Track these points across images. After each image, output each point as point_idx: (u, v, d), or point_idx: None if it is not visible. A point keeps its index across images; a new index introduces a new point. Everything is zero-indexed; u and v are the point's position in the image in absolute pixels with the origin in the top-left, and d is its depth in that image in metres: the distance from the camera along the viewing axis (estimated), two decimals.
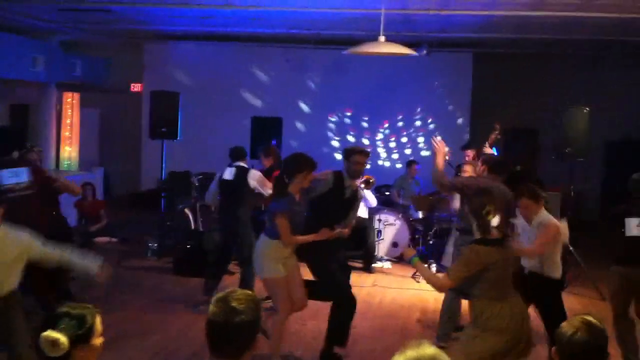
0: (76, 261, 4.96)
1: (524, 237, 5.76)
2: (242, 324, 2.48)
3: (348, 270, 6.44)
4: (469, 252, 4.53)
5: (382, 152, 14.82)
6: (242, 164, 7.88)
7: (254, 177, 7.68)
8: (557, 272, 5.67)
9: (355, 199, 6.36)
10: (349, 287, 6.30)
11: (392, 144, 14.81)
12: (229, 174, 7.85)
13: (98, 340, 2.68)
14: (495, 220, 4.44)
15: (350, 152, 6.29)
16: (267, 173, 8.12)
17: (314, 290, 6.10)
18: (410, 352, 2.25)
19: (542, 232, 5.56)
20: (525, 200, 5.65)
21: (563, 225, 5.97)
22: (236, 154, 7.99)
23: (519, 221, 5.83)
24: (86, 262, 4.97)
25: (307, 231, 5.80)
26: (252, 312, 2.52)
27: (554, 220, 5.66)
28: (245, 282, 7.61)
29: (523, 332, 4.52)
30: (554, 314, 5.45)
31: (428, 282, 4.71)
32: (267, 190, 7.46)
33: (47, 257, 4.89)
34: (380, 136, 14.82)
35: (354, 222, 6.47)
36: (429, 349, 2.27)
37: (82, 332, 2.58)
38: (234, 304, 2.51)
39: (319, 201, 6.07)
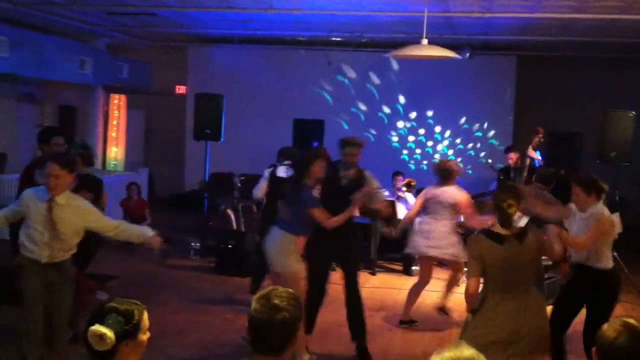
0: (132, 228, 5.32)
1: (574, 224, 5.60)
2: (284, 321, 2.52)
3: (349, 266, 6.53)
4: (470, 242, 4.74)
5: (424, 154, 14.78)
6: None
7: None
8: (605, 263, 5.41)
9: (354, 186, 6.30)
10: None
11: (435, 147, 14.75)
12: (283, 171, 7.97)
13: (144, 337, 2.73)
14: (522, 221, 4.53)
15: (343, 144, 6.41)
16: None
17: None
18: (448, 354, 2.25)
19: (592, 225, 5.35)
20: (575, 188, 5.47)
21: (616, 218, 5.78)
22: (289, 154, 8.15)
23: (573, 207, 5.67)
24: (141, 229, 5.38)
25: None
26: (293, 310, 2.56)
27: (607, 214, 5.43)
28: None
29: (520, 330, 4.46)
30: (599, 314, 5.25)
31: (467, 295, 4.77)
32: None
33: (106, 226, 5.19)
34: (422, 139, 14.79)
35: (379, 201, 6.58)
36: (467, 351, 2.26)
37: (128, 328, 2.64)
38: (276, 301, 2.55)
39: (320, 192, 6.24)
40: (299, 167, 6.11)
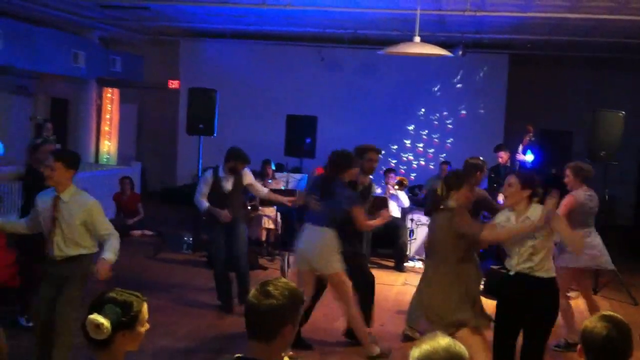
0: (108, 246, 5.09)
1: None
2: (270, 307, 2.54)
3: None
4: None
5: (415, 152, 14.85)
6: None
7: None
8: (552, 271, 4.87)
9: (366, 194, 6.54)
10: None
11: (426, 145, 14.83)
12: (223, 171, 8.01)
13: (142, 328, 2.78)
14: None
15: (364, 150, 6.56)
16: None
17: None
18: (425, 345, 2.35)
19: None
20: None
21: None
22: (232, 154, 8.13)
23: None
24: (109, 249, 5.05)
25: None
26: (283, 299, 2.56)
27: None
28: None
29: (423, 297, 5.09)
30: (540, 331, 4.82)
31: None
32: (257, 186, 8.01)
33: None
34: (414, 136, 14.85)
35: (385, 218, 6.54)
36: (443, 340, 2.35)
37: (125, 319, 2.69)
38: (270, 288, 2.58)
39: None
40: (337, 164, 6.09)
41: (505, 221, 4.91)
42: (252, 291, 2.61)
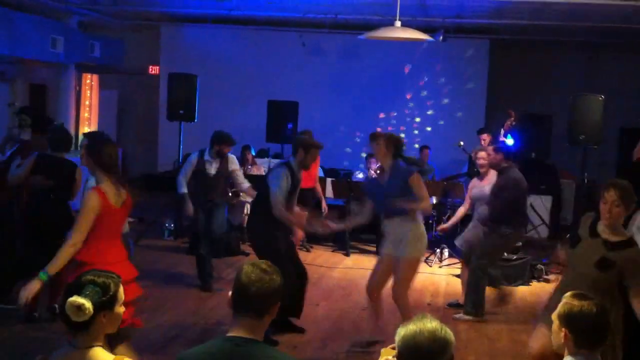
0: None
1: None
2: (272, 284, 2.66)
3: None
4: None
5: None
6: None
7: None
8: None
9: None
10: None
11: (407, 130, 14.84)
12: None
13: (121, 309, 2.82)
14: None
15: (311, 145, 6.33)
16: None
17: None
18: (411, 326, 2.36)
19: None
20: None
21: None
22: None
23: None
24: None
25: None
26: (279, 277, 2.70)
27: None
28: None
29: None
30: None
31: None
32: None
33: None
34: (394, 121, 14.86)
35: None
36: (430, 323, 2.36)
37: (105, 299, 2.72)
38: (264, 266, 2.70)
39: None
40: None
41: None
42: (247, 270, 2.67)
